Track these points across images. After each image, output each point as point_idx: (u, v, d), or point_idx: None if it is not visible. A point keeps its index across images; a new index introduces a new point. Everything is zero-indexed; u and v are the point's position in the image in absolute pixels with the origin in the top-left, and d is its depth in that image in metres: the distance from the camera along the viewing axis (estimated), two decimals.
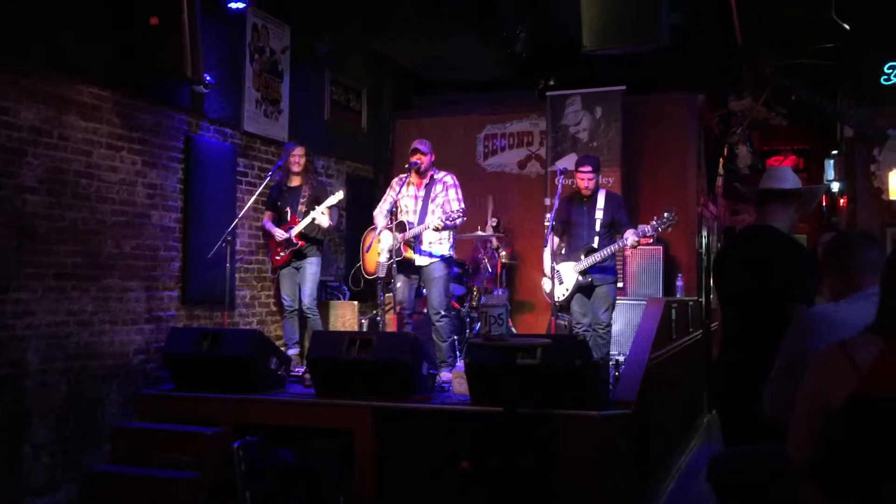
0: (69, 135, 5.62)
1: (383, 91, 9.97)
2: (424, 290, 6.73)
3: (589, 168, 6.60)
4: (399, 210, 6.64)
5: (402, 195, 6.63)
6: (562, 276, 6.53)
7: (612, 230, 6.59)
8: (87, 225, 5.75)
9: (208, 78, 6.65)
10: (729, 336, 3.80)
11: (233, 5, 6.98)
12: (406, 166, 6.62)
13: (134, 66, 6.02)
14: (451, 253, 6.63)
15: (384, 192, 6.99)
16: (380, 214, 6.77)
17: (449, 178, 6.58)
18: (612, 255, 6.53)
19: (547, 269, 6.56)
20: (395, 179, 6.88)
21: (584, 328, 6.45)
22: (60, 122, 5.55)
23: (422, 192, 6.56)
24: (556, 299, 6.45)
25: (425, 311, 6.92)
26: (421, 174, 6.58)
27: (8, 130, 5.17)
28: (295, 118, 8.11)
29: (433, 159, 6.63)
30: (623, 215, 6.63)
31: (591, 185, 6.59)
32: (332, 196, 6.96)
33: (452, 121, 9.76)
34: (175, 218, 6.58)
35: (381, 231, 6.68)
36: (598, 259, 6.41)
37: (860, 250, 2.86)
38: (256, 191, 7.17)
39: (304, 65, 8.30)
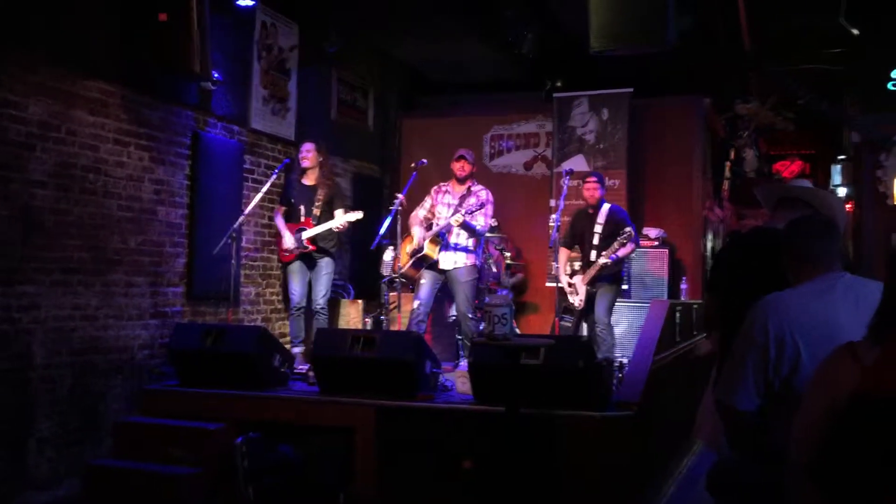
0: (77, 130, 5.64)
1: (390, 90, 9.99)
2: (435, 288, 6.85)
3: (594, 178, 7.07)
4: (433, 214, 6.77)
5: (439, 202, 6.75)
6: (577, 287, 7.04)
7: (611, 242, 6.88)
8: (94, 220, 5.77)
9: (216, 75, 6.68)
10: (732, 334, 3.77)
11: (241, 3, 6.99)
12: (413, 165, 6.68)
13: (142, 62, 6.03)
14: (477, 260, 6.76)
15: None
16: (415, 219, 6.84)
17: (484, 194, 6.76)
18: (614, 263, 6.87)
19: (563, 281, 7.09)
20: (434, 188, 6.96)
21: (601, 328, 6.90)
22: (68, 117, 5.58)
23: (456, 201, 6.67)
24: (576, 307, 7.07)
25: (434, 313, 7.05)
26: (460, 182, 6.70)
27: (17, 125, 5.19)
28: (302, 116, 8.13)
29: (474, 171, 6.83)
30: (622, 226, 6.90)
31: (597, 195, 7.03)
32: (352, 213, 6.96)
33: (459, 121, 9.77)
34: (181, 214, 6.60)
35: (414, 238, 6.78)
36: (593, 273, 6.88)
37: (823, 237, 2.87)
38: (263, 188, 7.16)
39: (312, 63, 8.32)
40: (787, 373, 2.65)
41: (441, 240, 6.59)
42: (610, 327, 6.87)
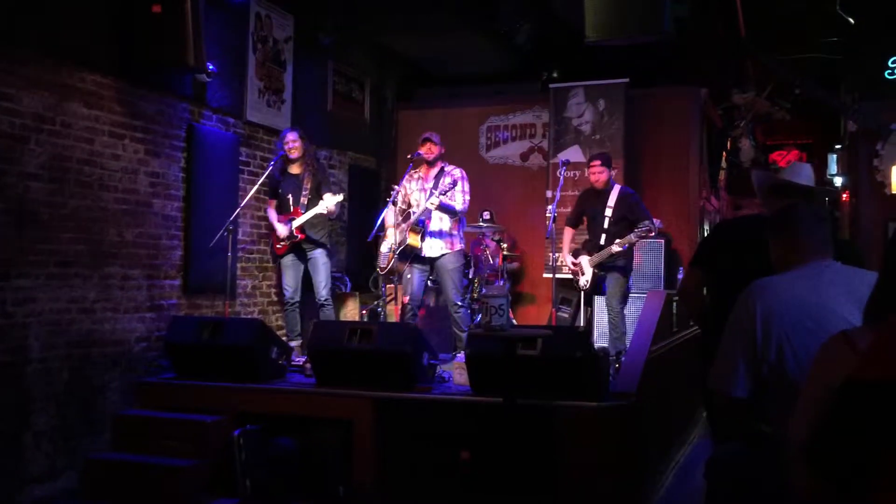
0: (71, 122, 5.62)
1: (386, 82, 9.96)
2: (430, 282, 6.80)
3: (598, 162, 6.89)
4: (409, 204, 6.70)
5: (412, 189, 6.67)
6: (583, 268, 6.89)
7: (623, 227, 6.74)
8: (90, 213, 5.75)
9: (211, 67, 6.64)
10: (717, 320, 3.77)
11: None
12: (409, 157, 6.64)
13: (136, 54, 6.00)
14: (462, 245, 6.73)
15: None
16: (389, 213, 6.79)
17: (458, 172, 6.69)
18: (623, 250, 6.73)
19: (567, 261, 6.99)
20: (404, 178, 6.90)
21: (612, 316, 6.83)
22: (63, 110, 5.55)
23: (430, 184, 6.61)
24: (581, 287, 6.92)
25: (431, 304, 7.00)
26: (430, 165, 6.65)
27: (11, 117, 5.17)
28: (297, 108, 8.10)
29: (443, 152, 6.73)
30: (637, 212, 6.75)
31: (603, 178, 6.84)
32: (335, 195, 6.94)
33: (455, 112, 9.75)
34: (177, 207, 6.58)
35: (388, 226, 6.71)
36: (604, 257, 6.72)
37: (815, 225, 2.88)
38: (259, 180, 7.14)
39: (308, 55, 8.30)
40: (774, 358, 2.64)
41: (421, 227, 6.54)
42: (622, 315, 6.78)
